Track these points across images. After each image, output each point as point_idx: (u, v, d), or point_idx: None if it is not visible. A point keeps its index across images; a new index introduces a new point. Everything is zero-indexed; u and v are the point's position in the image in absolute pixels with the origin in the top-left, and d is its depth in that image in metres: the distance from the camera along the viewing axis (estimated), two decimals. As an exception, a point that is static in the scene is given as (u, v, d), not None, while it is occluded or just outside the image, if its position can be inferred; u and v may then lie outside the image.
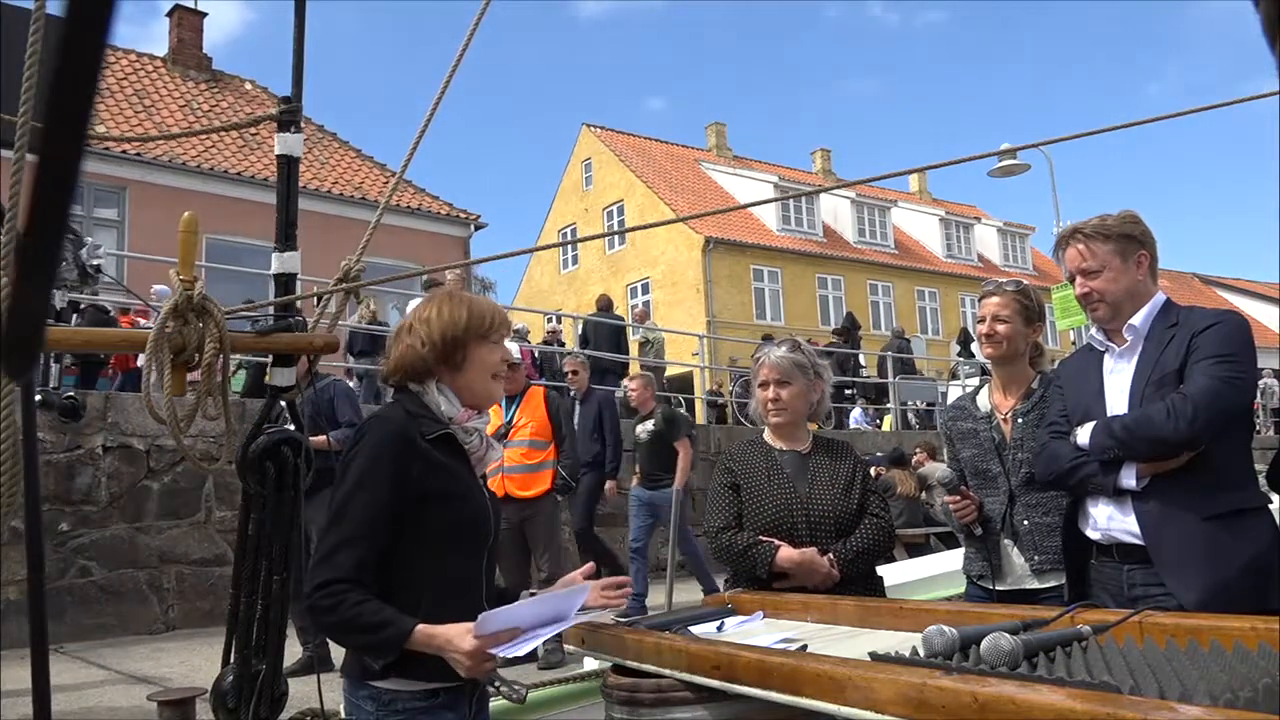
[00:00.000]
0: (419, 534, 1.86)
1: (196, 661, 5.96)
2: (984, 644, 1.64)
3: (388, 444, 1.85)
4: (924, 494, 10.76)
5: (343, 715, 1.90)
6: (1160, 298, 2.50)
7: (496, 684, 1.87)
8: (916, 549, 9.26)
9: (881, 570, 3.00)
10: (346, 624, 1.75)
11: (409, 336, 1.97)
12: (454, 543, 1.88)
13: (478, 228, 19.54)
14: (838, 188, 29.89)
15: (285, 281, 1.77)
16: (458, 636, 1.73)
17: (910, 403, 16.74)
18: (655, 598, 6.54)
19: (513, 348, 6.20)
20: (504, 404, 5.94)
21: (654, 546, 10.29)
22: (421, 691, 1.83)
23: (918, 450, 11.86)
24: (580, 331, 13.46)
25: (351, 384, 9.22)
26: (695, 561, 7.67)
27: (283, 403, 1.86)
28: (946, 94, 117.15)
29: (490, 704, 2.09)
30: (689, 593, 6.85)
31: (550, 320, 26.65)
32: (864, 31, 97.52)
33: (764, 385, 2.89)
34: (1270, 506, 2.37)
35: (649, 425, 7.54)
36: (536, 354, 12.71)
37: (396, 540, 1.85)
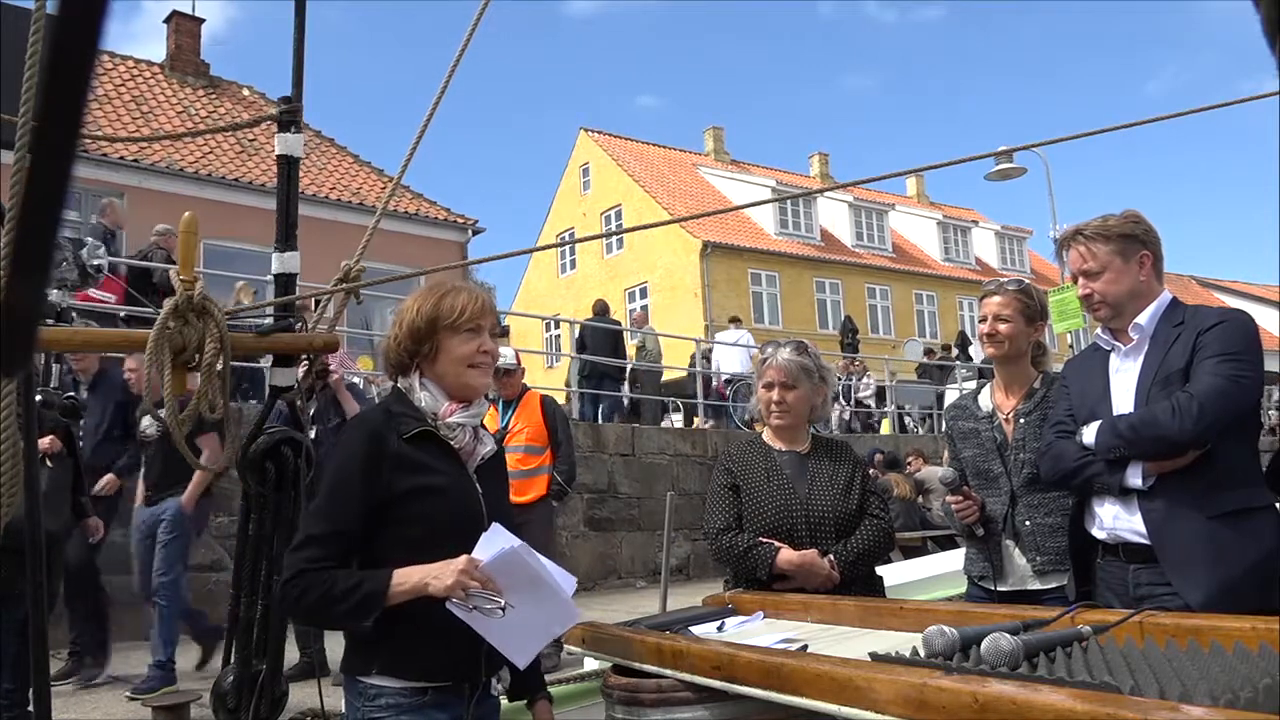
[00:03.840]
0: (401, 533, 1.87)
1: (193, 667, 5.93)
2: (984, 644, 1.64)
3: (358, 446, 1.88)
4: (920, 497, 10.77)
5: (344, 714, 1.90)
6: (1166, 296, 2.50)
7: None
8: (913, 552, 9.26)
9: (881, 571, 3.00)
10: (322, 599, 1.76)
11: (393, 328, 2.00)
12: (439, 540, 1.87)
13: (475, 232, 19.52)
14: (835, 189, 29.94)
15: (285, 282, 1.77)
16: (450, 560, 1.78)
17: (907, 406, 16.79)
18: (650, 603, 6.54)
19: (508, 352, 6.21)
20: (500, 408, 5.94)
21: (650, 550, 10.30)
22: (408, 689, 1.84)
23: (911, 456, 11.86)
24: (577, 336, 13.47)
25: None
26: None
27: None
28: (944, 93, 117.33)
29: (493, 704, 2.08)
30: (686, 597, 6.83)
31: (548, 325, 26.74)
32: (860, 29, 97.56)
33: (769, 386, 2.88)
34: (1277, 505, 2.37)
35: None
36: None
37: (378, 541, 1.86)
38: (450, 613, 1.81)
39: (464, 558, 1.81)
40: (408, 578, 1.78)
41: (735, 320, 16.57)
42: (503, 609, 1.79)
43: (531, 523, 5.79)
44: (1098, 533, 2.49)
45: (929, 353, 18.99)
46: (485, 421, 2.12)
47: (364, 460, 1.85)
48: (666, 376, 15.24)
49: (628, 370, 13.45)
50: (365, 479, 1.84)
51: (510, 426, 5.89)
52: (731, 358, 14.52)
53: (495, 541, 1.86)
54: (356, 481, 1.84)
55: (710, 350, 15.19)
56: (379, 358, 9.55)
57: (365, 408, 1.94)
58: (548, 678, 2.82)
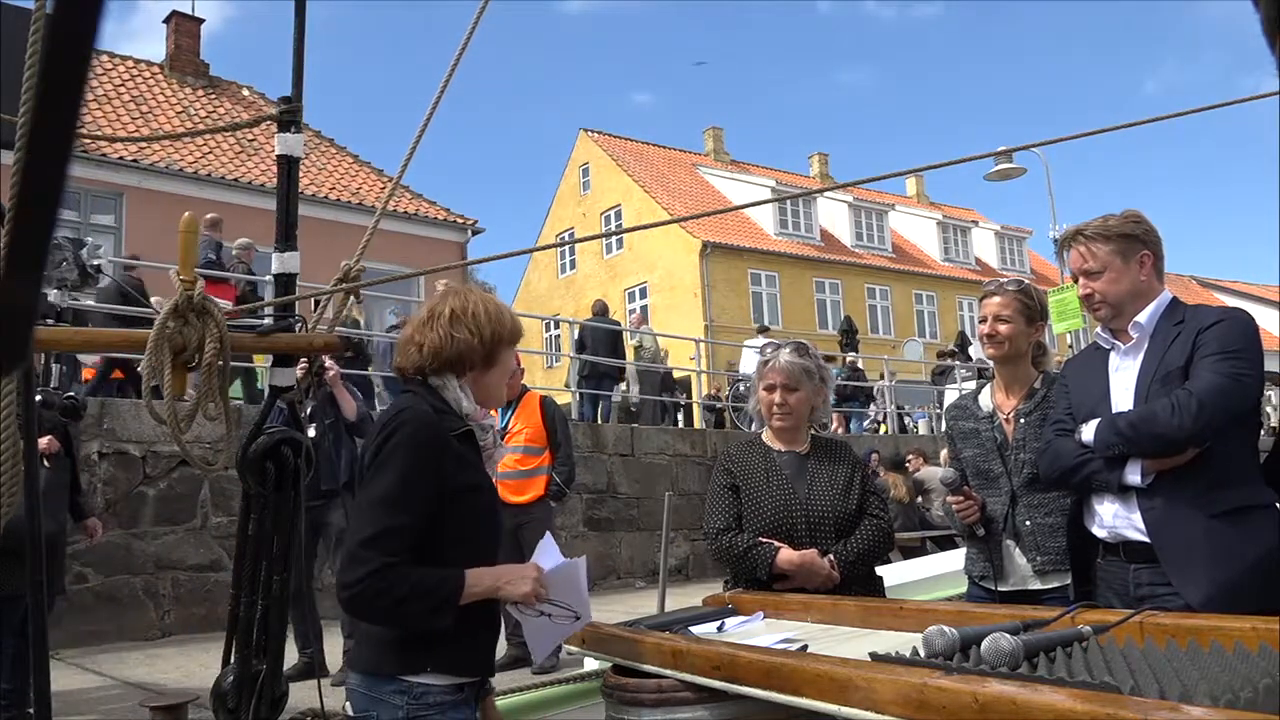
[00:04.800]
0: (447, 528, 1.89)
1: (192, 667, 5.94)
2: (984, 644, 1.64)
3: (425, 439, 1.88)
4: (920, 498, 10.78)
5: (348, 714, 1.89)
6: (1166, 295, 2.51)
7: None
8: (912, 552, 9.26)
9: (881, 571, 2.99)
10: (408, 595, 1.76)
11: (454, 328, 1.97)
12: (476, 535, 1.94)
13: (475, 233, 19.53)
14: (835, 189, 29.94)
15: (285, 281, 1.77)
16: (519, 566, 1.92)
17: (906, 406, 16.82)
18: (650, 603, 6.53)
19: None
20: (499, 409, 5.94)
21: (650, 550, 10.29)
22: (452, 686, 1.86)
23: (911, 456, 11.87)
24: (577, 336, 13.47)
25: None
26: None
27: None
28: (943, 92, 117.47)
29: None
30: (686, 597, 6.83)
31: (548, 325, 26.73)
32: (859, 27, 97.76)
33: (770, 389, 2.88)
34: (1278, 504, 2.37)
35: None
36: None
37: (427, 534, 1.87)
38: (485, 610, 1.88)
39: (533, 566, 1.92)
40: (480, 580, 1.84)
41: (764, 330, 16.90)
42: (577, 617, 1.94)
43: (531, 523, 5.79)
44: (1098, 531, 2.49)
45: (950, 354, 18.86)
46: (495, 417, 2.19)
47: (432, 453, 1.87)
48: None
49: (627, 370, 13.44)
50: (434, 472, 1.86)
51: (509, 427, 5.90)
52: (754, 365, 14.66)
53: (551, 552, 1.98)
54: (427, 473, 1.85)
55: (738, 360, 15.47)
56: (390, 356, 9.60)
57: (405, 402, 1.95)
58: (548, 678, 2.83)
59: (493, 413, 6.25)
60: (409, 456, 1.85)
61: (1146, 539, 2.35)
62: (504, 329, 2.02)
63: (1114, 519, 2.43)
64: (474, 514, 1.93)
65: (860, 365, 17.35)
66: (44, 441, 4.71)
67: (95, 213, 15.24)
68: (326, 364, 5.51)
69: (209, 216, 10.42)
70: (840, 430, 15.29)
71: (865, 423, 16.14)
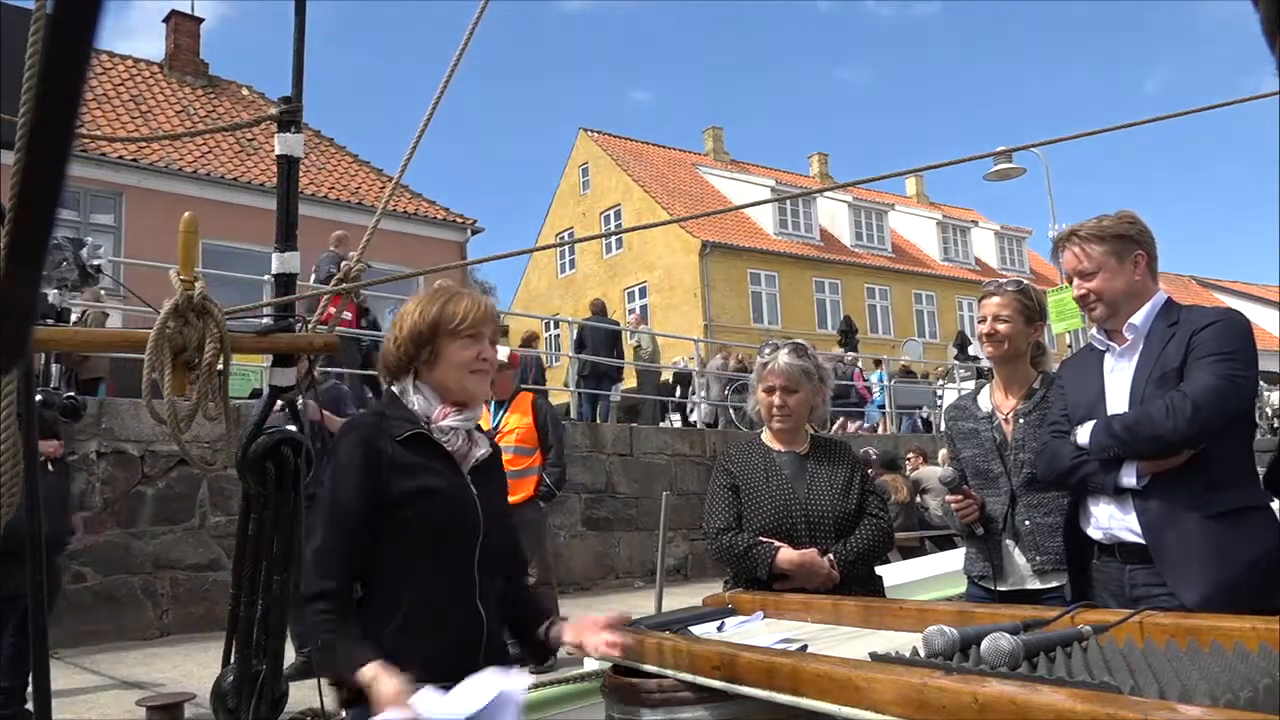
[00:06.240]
0: (396, 534, 1.87)
1: (190, 667, 5.93)
2: (984, 644, 1.64)
3: (354, 452, 1.89)
4: (919, 497, 10.77)
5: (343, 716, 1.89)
6: (1161, 296, 2.51)
7: None
8: (911, 552, 9.25)
9: (881, 571, 3.00)
10: (324, 641, 1.80)
11: (389, 333, 2.04)
12: (434, 540, 1.89)
13: (474, 232, 19.52)
14: (834, 189, 29.95)
15: (285, 281, 1.77)
16: (388, 686, 1.67)
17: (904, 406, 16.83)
18: (649, 603, 6.52)
19: (502, 352, 6.18)
20: (491, 408, 5.92)
21: (648, 550, 10.29)
22: None
23: (910, 454, 11.87)
24: (576, 335, 13.48)
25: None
26: None
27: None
28: (943, 92, 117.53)
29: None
30: (685, 597, 6.82)
31: (547, 325, 26.73)
32: (859, 25, 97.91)
33: (770, 390, 2.88)
34: (1272, 505, 2.37)
35: None
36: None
37: (376, 541, 1.87)
38: (446, 614, 1.84)
39: (396, 689, 1.66)
40: (363, 678, 1.71)
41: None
42: None
43: (522, 524, 5.76)
44: (1093, 532, 2.49)
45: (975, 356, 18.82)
46: (481, 414, 2.14)
47: (363, 465, 1.87)
48: (666, 377, 15.25)
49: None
50: (365, 478, 1.86)
51: (501, 427, 5.88)
52: None
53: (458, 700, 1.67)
54: (356, 483, 1.86)
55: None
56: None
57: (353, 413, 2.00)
58: (547, 677, 2.82)
59: (485, 410, 6.22)
60: (333, 474, 1.89)
61: (1142, 540, 2.35)
62: (425, 325, 1.95)
63: (1109, 520, 2.43)
64: (421, 517, 1.88)
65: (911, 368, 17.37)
66: (51, 446, 4.73)
67: (95, 212, 15.23)
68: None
69: (337, 234, 10.75)
70: (892, 430, 15.32)
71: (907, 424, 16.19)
